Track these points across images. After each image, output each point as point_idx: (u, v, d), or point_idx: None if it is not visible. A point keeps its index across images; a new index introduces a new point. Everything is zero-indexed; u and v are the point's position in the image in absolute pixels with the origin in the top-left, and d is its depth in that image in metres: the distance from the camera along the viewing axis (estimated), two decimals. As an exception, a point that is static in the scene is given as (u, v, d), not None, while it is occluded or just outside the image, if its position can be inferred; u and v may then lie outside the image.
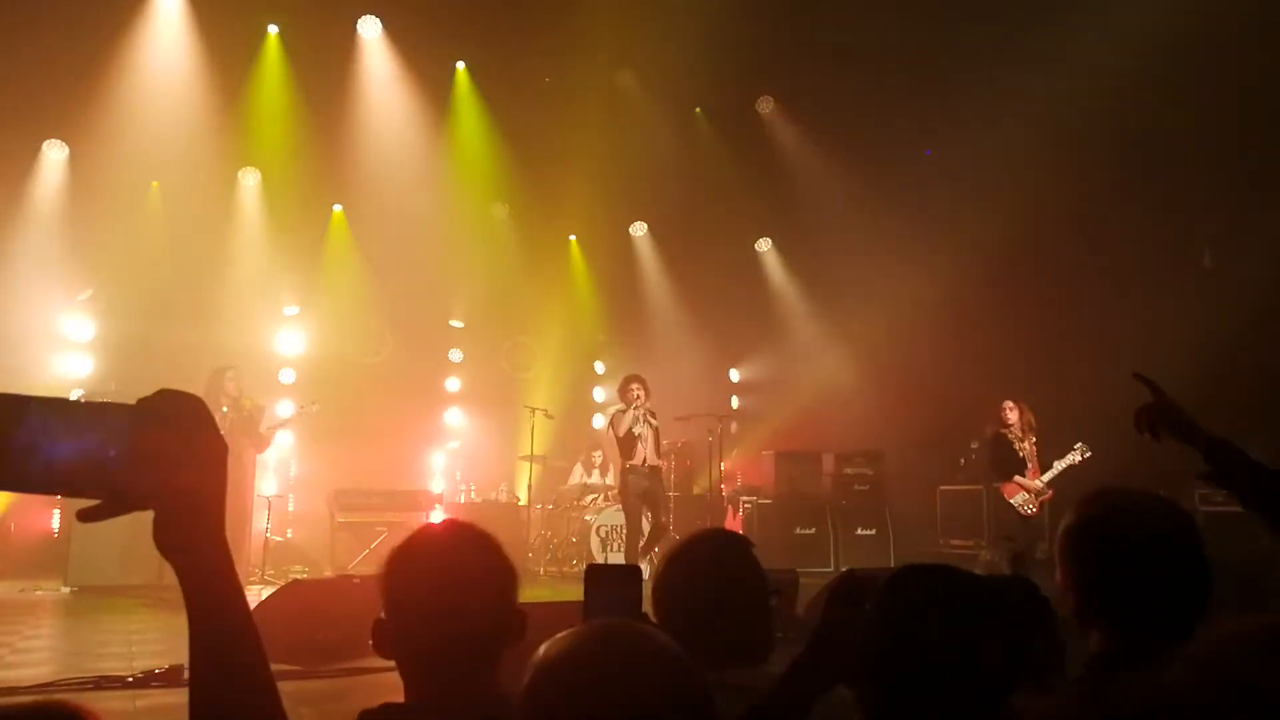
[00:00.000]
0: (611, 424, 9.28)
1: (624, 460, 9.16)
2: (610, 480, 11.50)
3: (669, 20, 10.93)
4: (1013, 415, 8.78)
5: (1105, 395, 10.26)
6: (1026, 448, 8.71)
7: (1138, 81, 10.27)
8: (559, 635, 1.08)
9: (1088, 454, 8.48)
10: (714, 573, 2.04)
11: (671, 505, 9.76)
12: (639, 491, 9.09)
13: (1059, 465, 8.53)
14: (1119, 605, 1.77)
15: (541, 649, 1.08)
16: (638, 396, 9.03)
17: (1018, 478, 8.62)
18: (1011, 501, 8.62)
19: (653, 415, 9.21)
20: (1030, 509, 8.54)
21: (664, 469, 9.69)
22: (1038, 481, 8.56)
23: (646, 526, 9.33)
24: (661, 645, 1.08)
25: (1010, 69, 10.91)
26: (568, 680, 1.03)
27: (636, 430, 8.99)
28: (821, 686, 1.65)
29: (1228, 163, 10.74)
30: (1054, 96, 11.03)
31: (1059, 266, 11.70)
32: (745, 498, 12.20)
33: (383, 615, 1.65)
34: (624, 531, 10.26)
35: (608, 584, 1.80)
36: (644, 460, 9.08)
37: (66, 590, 8.51)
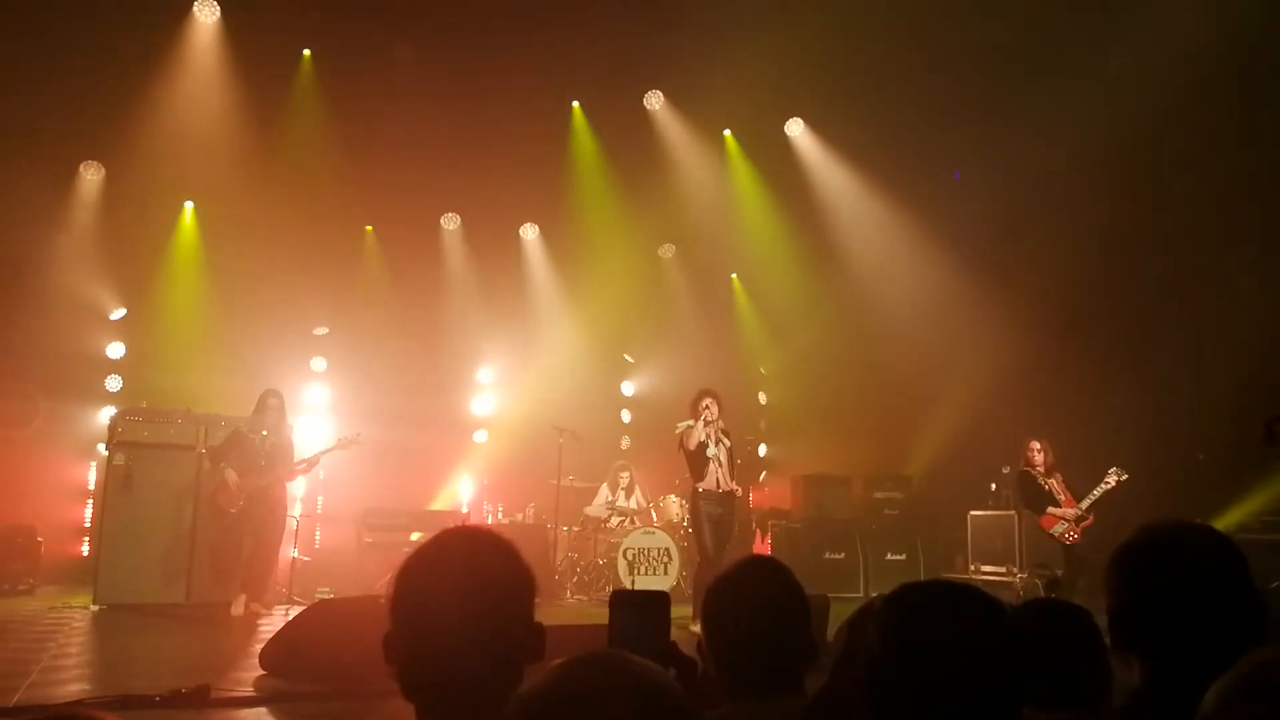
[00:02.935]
0: (681, 440, 8.46)
1: (694, 481, 8.41)
2: (635, 504, 11.41)
3: (698, 42, 10.93)
4: (1038, 456, 8.73)
5: (1138, 418, 10.18)
6: (1053, 483, 8.69)
7: (1172, 100, 10.18)
8: (545, 669, 1.05)
9: (1123, 477, 8.41)
10: (756, 601, 2.03)
11: (733, 535, 8.73)
12: (712, 519, 8.26)
13: (1096, 491, 8.46)
14: (1154, 637, 1.72)
15: (527, 683, 1.05)
16: (706, 409, 8.33)
17: (1051, 509, 8.53)
18: (1052, 532, 8.54)
19: (726, 434, 8.51)
20: (1072, 536, 8.43)
21: (740, 494, 8.75)
22: (1073, 510, 8.46)
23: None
24: (648, 677, 1.03)
25: (1042, 90, 10.84)
26: (547, 714, 0.99)
27: (709, 452, 8.34)
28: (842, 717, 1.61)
29: (1262, 181, 10.61)
30: (1084, 119, 10.95)
31: (1090, 289, 11.57)
32: (773, 521, 12.09)
33: (390, 628, 1.56)
34: (650, 554, 10.20)
35: (634, 609, 1.76)
36: (718, 484, 8.35)
37: (95, 608, 8.52)
